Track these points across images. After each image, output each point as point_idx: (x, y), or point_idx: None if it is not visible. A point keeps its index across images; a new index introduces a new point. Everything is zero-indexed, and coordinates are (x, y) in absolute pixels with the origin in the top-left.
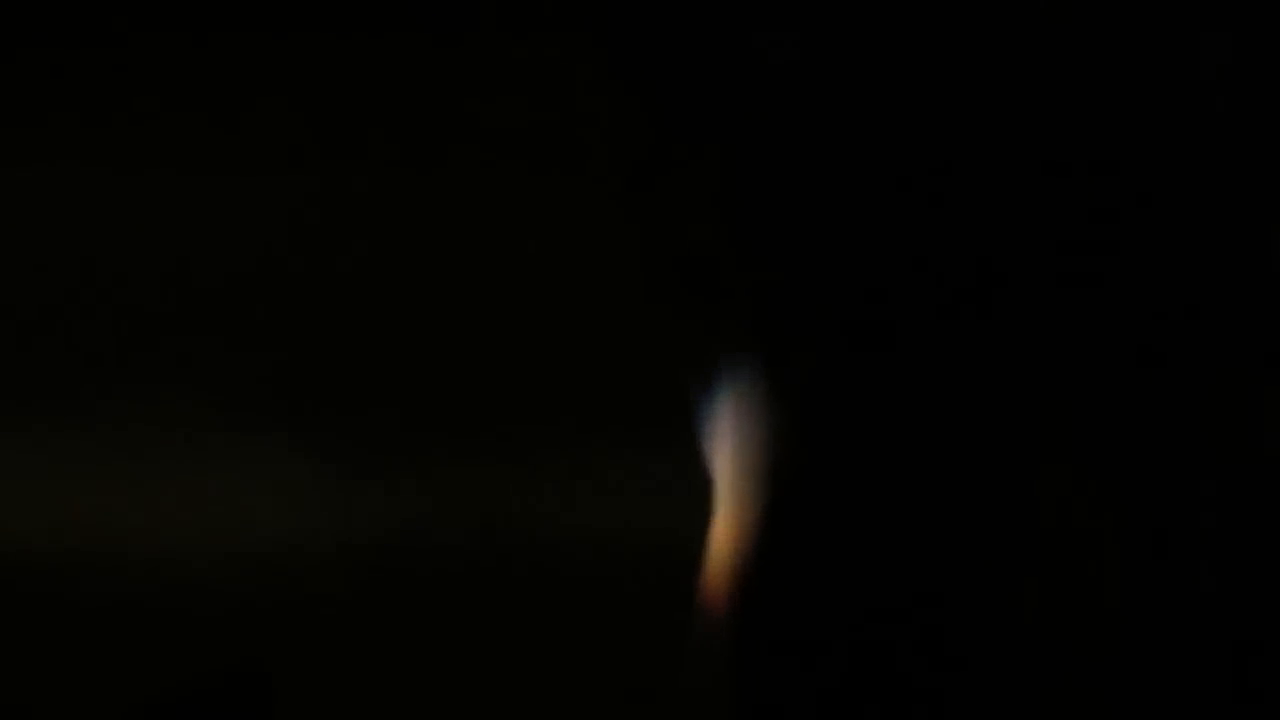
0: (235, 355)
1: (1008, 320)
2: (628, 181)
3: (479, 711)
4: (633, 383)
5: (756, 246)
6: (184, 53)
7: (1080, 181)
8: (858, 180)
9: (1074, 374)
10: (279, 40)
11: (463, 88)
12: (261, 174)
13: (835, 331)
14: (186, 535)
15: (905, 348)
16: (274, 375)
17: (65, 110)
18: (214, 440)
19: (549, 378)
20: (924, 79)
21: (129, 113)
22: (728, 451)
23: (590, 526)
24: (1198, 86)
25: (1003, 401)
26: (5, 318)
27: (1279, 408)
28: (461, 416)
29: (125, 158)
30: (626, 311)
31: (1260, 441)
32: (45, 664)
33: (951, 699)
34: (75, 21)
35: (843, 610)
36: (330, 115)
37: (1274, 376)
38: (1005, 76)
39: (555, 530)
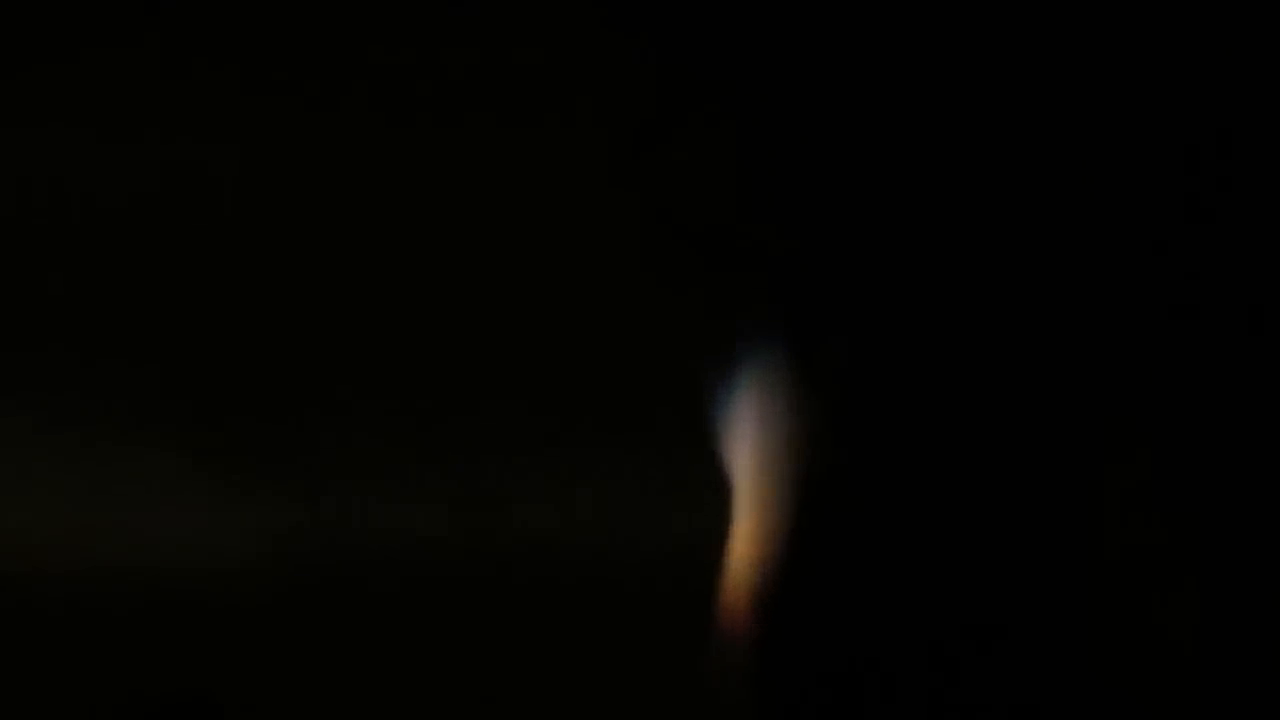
0: (175, 347)
1: (1066, 300)
2: (630, 139)
3: None
4: (637, 371)
5: (778, 213)
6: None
7: (1163, 154)
8: (894, 135)
9: (1150, 366)
10: None
11: (441, 29)
12: (203, 140)
13: (871, 311)
14: (111, 550)
15: (952, 331)
16: (239, 364)
17: None
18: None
19: (541, 367)
20: (972, 23)
21: (46, 64)
22: (749, 449)
23: (592, 536)
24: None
25: (1065, 393)
26: None
27: None
28: (444, 413)
29: (23, 116)
30: (629, 289)
31: None
32: None
33: None
34: None
35: (876, 628)
36: (294, 65)
37: None
38: (1056, 31)
39: (553, 540)
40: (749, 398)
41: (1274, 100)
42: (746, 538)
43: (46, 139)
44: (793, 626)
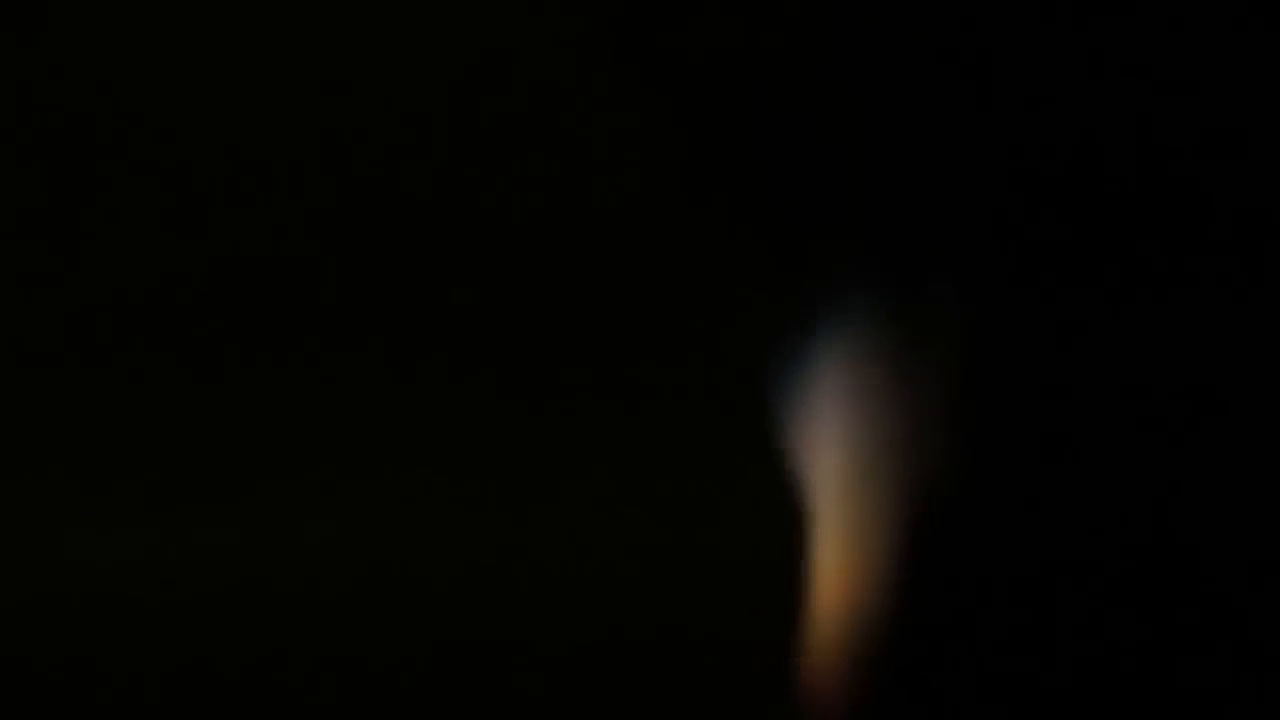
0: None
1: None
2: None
3: None
4: (675, 347)
5: (863, 115)
6: None
7: None
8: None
9: None
10: None
11: None
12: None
13: (1004, 254)
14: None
15: (1122, 276)
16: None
17: None
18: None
19: (549, 343)
20: None
21: None
22: (831, 455)
23: (624, 573)
24: None
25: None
26: None
27: None
28: (434, 409)
29: None
30: (659, 232)
31: None
32: None
33: None
34: None
35: (1007, 696)
36: None
37: None
38: None
39: (575, 576)
40: (831, 381)
41: None
42: (832, 573)
43: None
44: (898, 691)
